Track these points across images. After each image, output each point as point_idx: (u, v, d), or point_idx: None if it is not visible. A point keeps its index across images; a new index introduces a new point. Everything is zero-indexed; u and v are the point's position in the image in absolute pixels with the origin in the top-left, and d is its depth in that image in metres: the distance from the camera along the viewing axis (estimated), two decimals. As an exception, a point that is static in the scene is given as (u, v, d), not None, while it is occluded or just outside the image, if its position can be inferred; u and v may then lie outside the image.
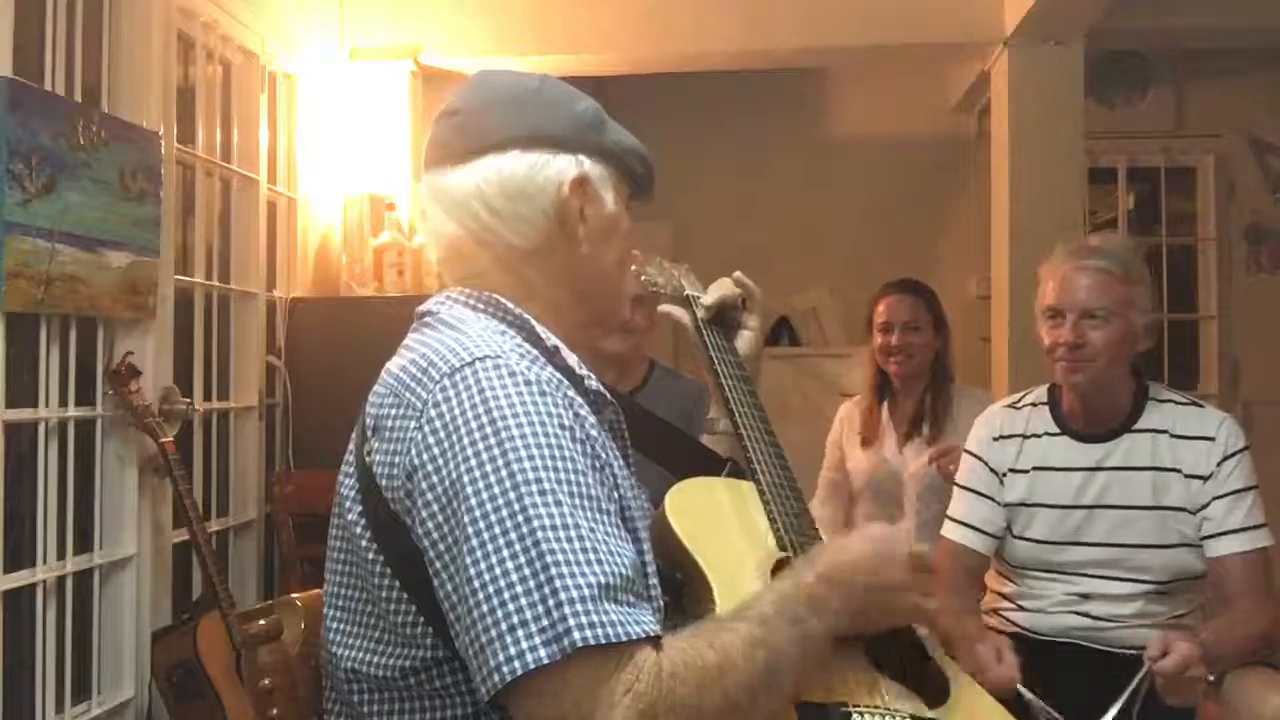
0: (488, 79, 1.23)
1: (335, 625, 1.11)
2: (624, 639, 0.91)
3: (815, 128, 4.97)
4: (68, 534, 2.32)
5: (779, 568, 1.23)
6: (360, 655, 1.08)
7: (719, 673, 0.94)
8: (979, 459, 2.19)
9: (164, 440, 2.39)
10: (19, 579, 2.17)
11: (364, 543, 1.06)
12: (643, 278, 1.52)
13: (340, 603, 1.11)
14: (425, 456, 0.99)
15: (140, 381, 2.41)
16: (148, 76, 2.53)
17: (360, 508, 1.07)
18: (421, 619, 1.03)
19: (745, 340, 1.52)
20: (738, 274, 1.55)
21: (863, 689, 1.14)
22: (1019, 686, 1.82)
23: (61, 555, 2.31)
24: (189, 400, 2.67)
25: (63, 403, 2.31)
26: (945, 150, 4.77)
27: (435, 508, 0.98)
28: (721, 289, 1.53)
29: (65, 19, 2.32)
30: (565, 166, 1.17)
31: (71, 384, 2.33)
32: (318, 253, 3.48)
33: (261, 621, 1.21)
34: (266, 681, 1.19)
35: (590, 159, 1.18)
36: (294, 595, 1.25)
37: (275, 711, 1.19)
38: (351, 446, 1.13)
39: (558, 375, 1.09)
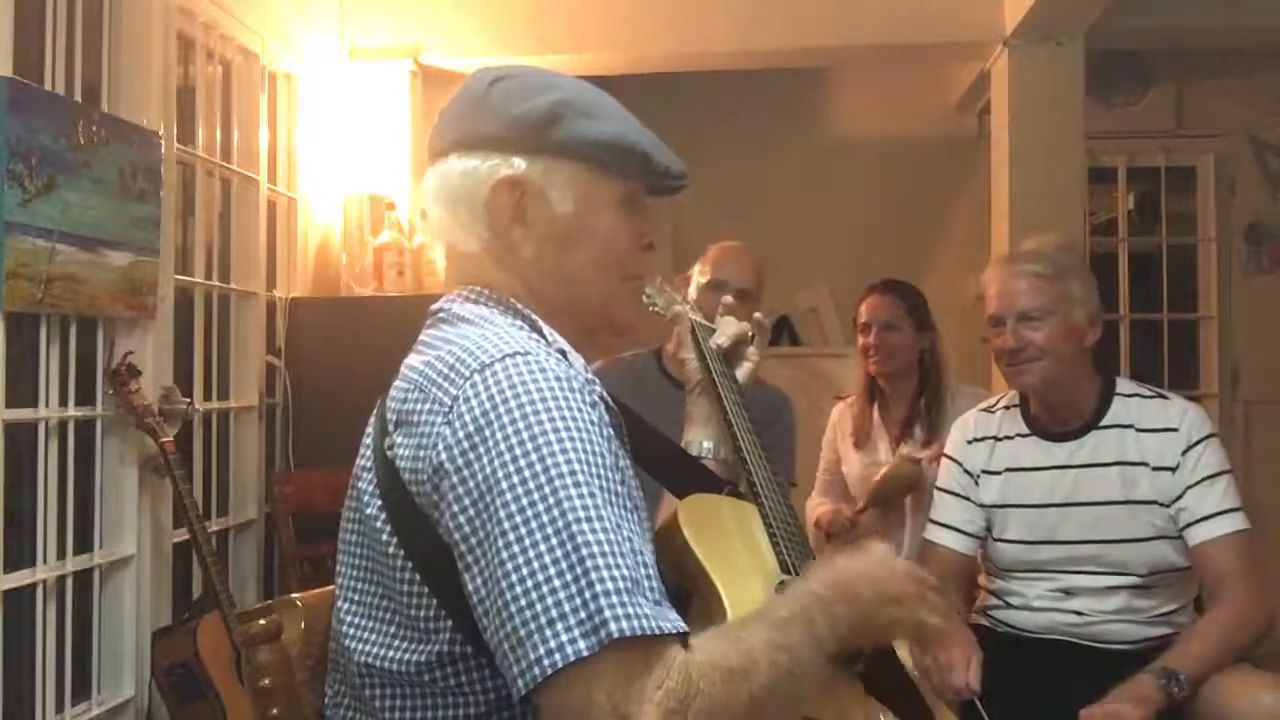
0: (474, 75, 1.21)
1: (349, 619, 1.11)
2: (657, 632, 0.91)
3: (815, 128, 4.97)
4: (68, 534, 2.32)
5: (781, 589, 1.25)
6: (375, 650, 1.08)
7: (744, 674, 0.94)
8: (955, 461, 2.23)
9: (164, 440, 2.39)
10: (19, 579, 2.17)
11: (384, 537, 1.06)
12: (643, 298, 1.53)
13: (356, 596, 1.11)
14: (456, 452, 0.99)
15: (140, 381, 2.41)
16: (148, 76, 2.53)
17: (380, 501, 1.06)
18: (443, 612, 1.03)
19: (744, 371, 1.57)
20: (759, 316, 1.62)
21: (858, 712, 1.18)
22: (976, 701, 1.83)
23: (61, 555, 2.31)
24: (189, 400, 2.67)
25: (63, 403, 2.31)
26: (945, 150, 4.76)
27: (467, 502, 0.97)
28: (733, 326, 1.58)
29: (65, 19, 2.32)
30: (492, 169, 1.15)
31: (71, 384, 2.33)
32: (318, 253, 3.48)
33: (261, 621, 1.21)
34: (266, 681, 1.19)
35: (531, 159, 1.15)
36: (294, 595, 1.25)
37: (275, 711, 1.18)
38: (368, 441, 1.12)
39: (584, 375, 1.08)
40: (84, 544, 2.40)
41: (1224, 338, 4.53)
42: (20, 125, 2.06)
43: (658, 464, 1.48)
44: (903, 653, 1.32)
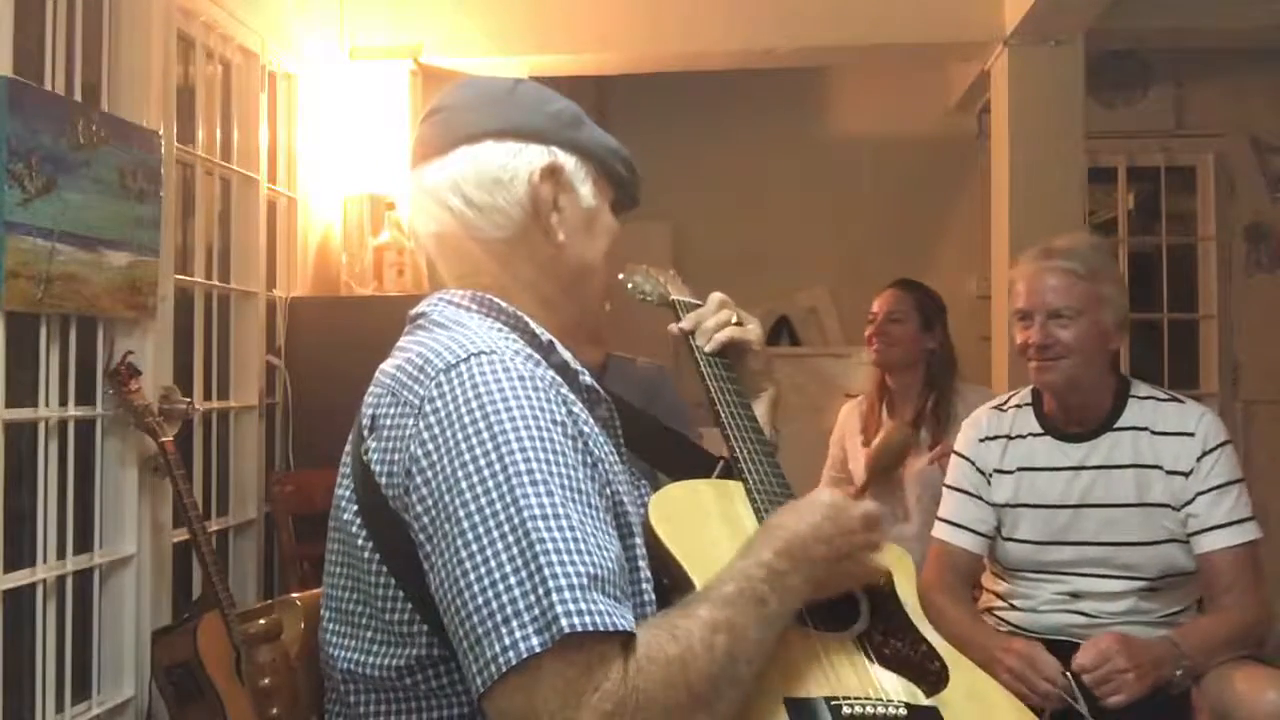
0: (469, 81, 1.29)
1: (332, 626, 1.12)
2: (608, 629, 0.92)
3: (815, 128, 4.98)
4: (68, 534, 2.32)
5: None
6: (356, 656, 1.08)
7: (681, 665, 0.94)
8: (967, 459, 2.21)
9: (164, 440, 2.39)
10: (19, 579, 2.17)
11: (360, 542, 1.06)
12: (629, 285, 1.52)
13: (336, 604, 1.12)
14: (421, 452, 1.00)
15: (140, 381, 2.41)
16: (148, 76, 2.53)
17: (356, 507, 1.07)
18: (418, 616, 1.04)
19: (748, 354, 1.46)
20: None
21: (854, 679, 1.13)
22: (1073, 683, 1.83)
23: (61, 555, 2.31)
24: (189, 400, 2.67)
25: (63, 402, 2.31)
26: (945, 150, 4.77)
27: (430, 501, 0.99)
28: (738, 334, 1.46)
29: (65, 19, 2.32)
30: (537, 155, 1.20)
31: (71, 384, 2.33)
32: (318, 252, 3.48)
33: (261, 621, 1.21)
34: (266, 681, 1.19)
35: (564, 151, 1.22)
36: (294, 595, 1.25)
37: (275, 711, 1.18)
38: (348, 448, 1.13)
39: (552, 373, 1.10)
40: (84, 544, 2.40)
41: (1224, 338, 4.53)
42: (20, 125, 2.06)
43: (653, 450, 1.46)
44: (904, 592, 1.28)
